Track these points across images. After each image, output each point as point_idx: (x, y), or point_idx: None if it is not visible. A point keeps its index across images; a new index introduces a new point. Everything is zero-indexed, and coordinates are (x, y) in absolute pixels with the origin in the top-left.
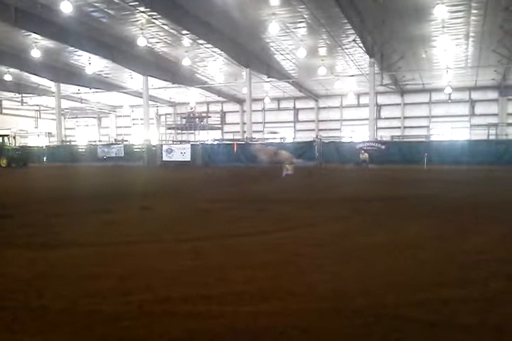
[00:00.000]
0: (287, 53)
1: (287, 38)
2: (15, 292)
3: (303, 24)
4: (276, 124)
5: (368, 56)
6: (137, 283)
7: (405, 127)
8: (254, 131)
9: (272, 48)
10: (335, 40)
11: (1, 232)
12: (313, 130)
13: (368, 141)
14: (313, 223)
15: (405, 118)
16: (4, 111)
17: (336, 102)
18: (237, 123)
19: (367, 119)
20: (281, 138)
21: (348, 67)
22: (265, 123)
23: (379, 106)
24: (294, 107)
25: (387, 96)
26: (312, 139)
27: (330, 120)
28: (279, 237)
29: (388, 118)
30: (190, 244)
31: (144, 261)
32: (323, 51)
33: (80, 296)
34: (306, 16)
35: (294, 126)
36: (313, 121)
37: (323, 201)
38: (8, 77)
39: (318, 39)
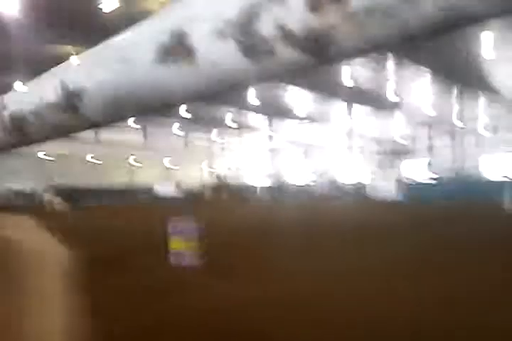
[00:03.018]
0: (506, 67)
1: (505, 51)
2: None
3: None
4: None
5: None
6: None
7: None
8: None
9: (486, 64)
10: None
11: (226, 262)
12: None
13: None
14: None
15: None
16: (226, 147)
17: None
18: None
19: None
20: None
21: None
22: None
23: None
24: None
25: None
26: None
27: None
28: None
29: None
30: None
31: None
32: None
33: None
34: None
35: None
36: None
37: None
38: (229, 116)
39: None
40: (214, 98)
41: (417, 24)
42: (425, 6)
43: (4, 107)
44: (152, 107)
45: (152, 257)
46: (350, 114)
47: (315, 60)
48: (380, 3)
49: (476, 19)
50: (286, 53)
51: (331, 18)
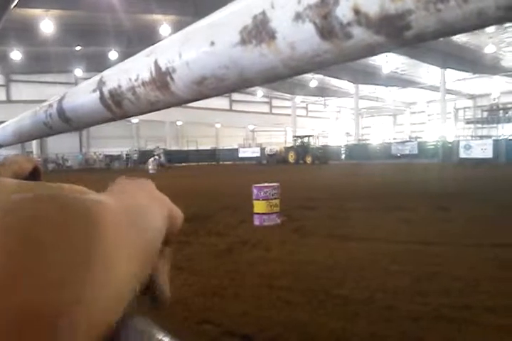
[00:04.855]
0: None
1: None
2: (319, 278)
3: None
4: None
5: None
6: (433, 286)
7: None
8: None
9: None
10: None
11: (308, 222)
12: None
13: None
14: None
15: None
16: (309, 113)
17: None
18: None
19: None
20: None
21: None
22: None
23: None
24: None
25: None
26: None
27: None
28: None
29: None
30: (492, 251)
31: (440, 264)
32: None
33: (376, 290)
34: None
35: None
36: None
37: None
38: (313, 83)
39: None
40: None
41: (495, 10)
42: None
43: (104, 83)
44: (234, 88)
45: (236, 218)
46: (443, 76)
47: (390, 43)
48: None
49: None
50: (362, 36)
51: (407, 2)
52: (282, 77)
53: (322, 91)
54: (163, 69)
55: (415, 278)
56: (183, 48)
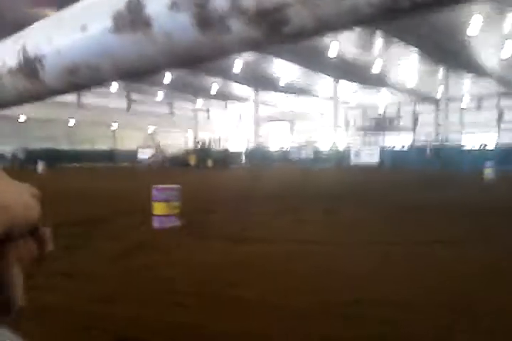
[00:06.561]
0: (491, 48)
1: (491, 33)
2: (214, 281)
3: (510, 15)
4: (475, 125)
5: None
6: (323, 284)
7: None
8: (450, 132)
9: (472, 43)
10: None
11: (207, 225)
12: None
13: None
14: None
15: None
16: (211, 117)
17: None
18: (431, 125)
19: None
20: (482, 145)
21: None
22: (463, 124)
23: None
24: (498, 106)
25: None
26: None
27: None
28: None
29: None
30: (378, 248)
31: (330, 262)
32: None
33: (268, 290)
34: None
35: (498, 127)
36: None
37: None
38: (215, 87)
39: None
40: (197, 68)
41: (367, 7)
42: None
43: None
44: (110, 78)
45: (134, 221)
46: (336, 87)
47: (268, 37)
48: None
49: (428, 6)
50: (240, 29)
51: None
52: (160, 68)
53: (224, 96)
54: (32, 55)
55: (306, 277)
56: (54, 34)
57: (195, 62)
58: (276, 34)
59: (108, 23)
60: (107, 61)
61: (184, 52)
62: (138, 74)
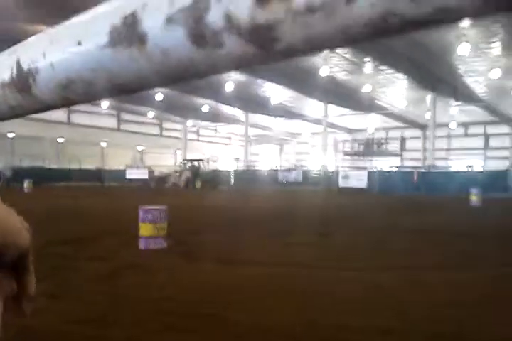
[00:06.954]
0: (478, 75)
1: (478, 59)
2: (204, 303)
3: (497, 44)
4: (462, 151)
5: None
6: (311, 305)
7: None
8: (436, 159)
9: (460, 70)
10: None
11: (195, 247)
12: (505, 158)
13: None
14: None
15: None
16: (200, 138)
17: None
18: (418, 150)
19: None
20: (468, 167)
21: None
22: (450, 150)
23: None
24: (485, 133)
25: None
26: (506, 168)
27: None
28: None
29: None
30: (368, 274)
31: (318, 286)
32: None
33: (259, 312)
34: (500, 35)
35: (484, 154)
36: (506, 148)
37: None
38: (205, 108)
39: None
40: (188, 89)
41: (357, 26)
42: (363, 8)
43: None
44: (104, 94)
45: (120, 241)
46: (326, 111)
47: (262, 54)
48: (322, 2)
49: (419, 25)
50: (234, 45)
51: (276, 13)
52: (155, 84)
53: (213, 117)
54: (25, 69)
55: (297, 300)
56: (48, 48)
57: (189, 78)
58: (268, 51)
59: (104, 38)
60: (101, 76)
61: (178, 68)
62: (131, 90)
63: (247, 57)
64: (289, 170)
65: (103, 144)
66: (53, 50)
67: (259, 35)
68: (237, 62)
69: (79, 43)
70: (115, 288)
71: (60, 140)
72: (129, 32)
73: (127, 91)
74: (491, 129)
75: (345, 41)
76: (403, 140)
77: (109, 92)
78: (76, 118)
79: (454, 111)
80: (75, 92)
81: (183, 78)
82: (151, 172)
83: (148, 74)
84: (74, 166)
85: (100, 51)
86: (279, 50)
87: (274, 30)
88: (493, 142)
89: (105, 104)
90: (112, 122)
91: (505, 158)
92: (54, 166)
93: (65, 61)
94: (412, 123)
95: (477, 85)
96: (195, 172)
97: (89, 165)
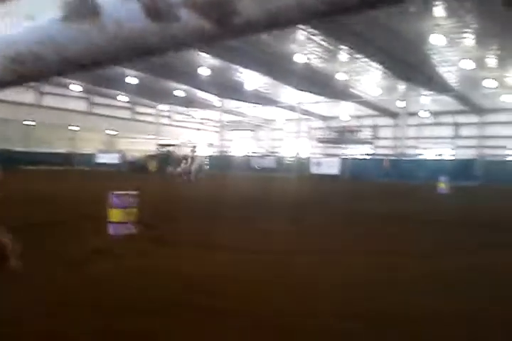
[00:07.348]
0: (450, 65)
1: (451, 49)
2: (169, 288)
3: (470, 34)
4: (432, 140)
5: None
6: (300, 293)
7: None
8: (407, 147)
9: (433, 60)
10: (507, 50)
11: (167, 232)
12: (474, 147)
13: None
14: None
15: None
16: (174, 123)
17: (504, 117)
18: (390, 138)
19: None
20: (437, 155)
21: None
22: (421, 138)
23: None
24: (454, 122)
25: None
26: (473, 157)
27: (497, 136)
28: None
29: None
30: (355, 257)
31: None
32: (492, 62)
33: (243, 299)
34: (473, 26)
35: (454, 143)
36: (475, 137)
37: None
38: (179, 93)
39: (487, 50)
40: (162, 74)
41: (316, 2)
42: None
43: None
44: (55, 69)
45: (90, 226)
46: (300, 98)
47: (220, 29)
48: None
49: (376, 2)
50: (190, 19)
51: None
52: (108, 58)
53: (187, 102)
54: None
55: (281, 286)
56: (1, 23)
57: (147, 52)
58: (226, 25)
59: (55, 12)
60: (51, 49)
61: (134, 40)
62: (86, 65)
63: (205, 31)
64: (262, 156)
65: (74, 127)
66: (5, 25)
67: (216, 9)
68: (194, 37)
69: (31, 18)
70: (88, 274)
71: (30, 123)
72: (82, 4)
73: (78, 66)
74: (461, 119)
75: (304, 18)
76: (376, 128)
77: (59, 66)
78: (47, 101)
79: (426, 100)
80: (26, 66)
81: (139, 51)
82: (122, 156)
83: (102, 48)
84: (44, 150)
85: (51, 25)
86: (238, 25)
87: (232, 4)
88: (463, 131)
89: (77, 87)
90: (83, 105)
91: (474, 147)
92: (21, 149)
93: (15, 35)
94: (384, 112)
95: (450, 75)
96: (169, 157)
97: (60, 149)
